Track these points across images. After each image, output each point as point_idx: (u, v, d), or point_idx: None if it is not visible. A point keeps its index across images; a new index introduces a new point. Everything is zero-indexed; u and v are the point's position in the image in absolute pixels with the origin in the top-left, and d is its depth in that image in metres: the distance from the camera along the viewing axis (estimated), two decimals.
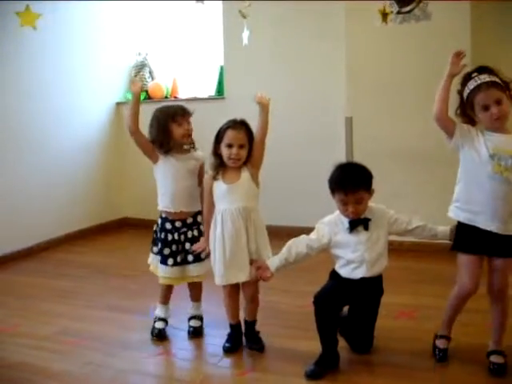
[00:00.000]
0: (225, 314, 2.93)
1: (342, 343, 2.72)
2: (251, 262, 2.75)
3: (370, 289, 2.65)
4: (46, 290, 3.98)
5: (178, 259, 3.01)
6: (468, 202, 2.50)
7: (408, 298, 3.41)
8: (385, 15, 4.28)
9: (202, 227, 3.02)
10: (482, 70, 2.47)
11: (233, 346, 2.88)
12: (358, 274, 2.58)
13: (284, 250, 2.65)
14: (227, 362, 2.79)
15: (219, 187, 2.78)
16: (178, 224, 3.03)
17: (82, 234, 5.48)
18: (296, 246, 2.64)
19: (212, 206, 2.83)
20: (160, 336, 3.07)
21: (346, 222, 2.59)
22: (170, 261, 3.00)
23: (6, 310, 3.61)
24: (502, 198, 2.42)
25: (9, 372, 2.76)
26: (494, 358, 2.55)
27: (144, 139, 3.00)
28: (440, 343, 2.69)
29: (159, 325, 3.12)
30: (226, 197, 2.76)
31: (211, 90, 5.74)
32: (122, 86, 6.06)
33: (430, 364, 2.65)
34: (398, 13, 4.38)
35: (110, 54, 5.87)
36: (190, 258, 3.01)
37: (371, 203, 2.61)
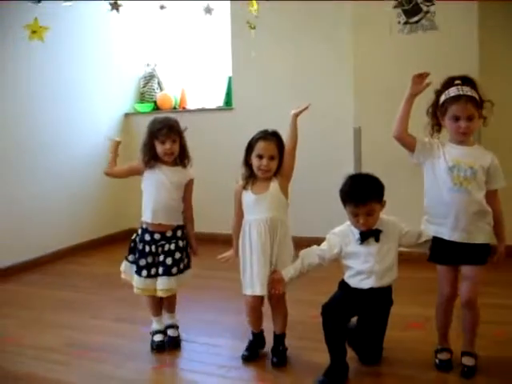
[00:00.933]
0: (236, 324, 2.91)
1: (350, 354, 2.70)
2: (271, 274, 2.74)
3: (378, 299, 2.63)
4: (52, 301, 3.98)
5: (152, 272, 3.01)
6: (433, 215, 2.60)
7: (418, 309, 3.37)
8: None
9: (180, 242, 3.03)
10: (466, 80, 2.53)
11: (250, 355, 2.88)
12: (367, 284, 2.56)
13: (297, 260, 2.66)
14: (235, 373, 2.77)
15: (248, 197, 2.78)
16: (156, 236, 3.03)
17: (89, 244, 5.48)
18: (308, 256, 2.65)
19: (241, 215, 2.83)
20: (160, 348, 3.06)
21: (356, 233, 2.57)
22: (144, 272, 3.02)
23: (12, 321, 3.61)
24: (463, 208, 2.48)
25: (14, 383, 2.75)
26: (464, 360, 2.61)
27: (119, 173, 3.19)
28: (441, 355, 2.70)
29: (157, 338, 3.10)
30: (254, 207, 2.77)
31: (219, 101, 5.75)
32: (131, 97, 6.08)
33: (439, 375, 2.63)
34: (406, 23, 4.38)
35: (118, 65, 5.90)
36: (161, 270, 2.99)
37: (383, 215, 2.59)
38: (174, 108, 5.94)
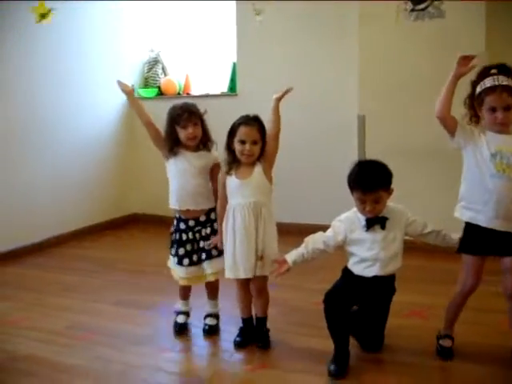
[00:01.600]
0: (234, 310, 2.92)
1: (351, 341, 2.70)
2: (258, 258, 2.75)
3: (382, 287, 2.63)
4: (55, 285, 3.99)
5: (194, 258, 2.99)
6: (471, 201, 2.52)
7: (420, 297, 3.39)
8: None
9: (215, 224, 3.00)
10: (502, 69, 2.46)
11: (243, 341, 2.88)
12: (371, 272, 2.56)
13: (302, 245, 2.65)
14: (238, 357, 2.79)
15: (232, 182, 2.78)
16: (191, 223, 3.00)
17: (91, 229, 5.49)
18: (313, 242, 2.64)
19: (225, 201, 2.83)
20: (181, 330, 3.09)
21: (362, 219, 2.56)
22: (186, 261, 2.99)
23: (15, 304, 3.62)
24: (504, 195, 2.43)
25: (17, 364, 2.77)
26: None
27: (154, 133, 3.02)
28: (444, 342, 2.69)
29: (180, 319, 3.13)
30: (238, 192, 2.77)
31: (224, 87, 5.73)
32: (135, 82, 6.05)
33: (440, 363, 2.64)
34: (412, 10, 4.35)
35: (122, 50, 5.88)
36: (203, 256, 2.98)
37: (390, 203, 2.58)
38: (178, 93, 5.92)
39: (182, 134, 2.94)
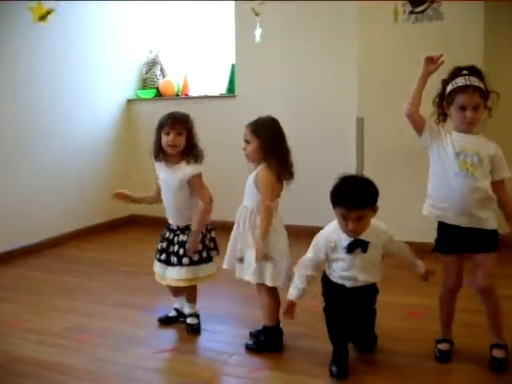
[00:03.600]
0: (234, 311, 2.91)
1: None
2: (237, 258, 2.85)
3: (362, 293, 2.61)
4: (54, 286, 3.99)
5: (163, 257, 3.06)
6: (437, 200, 2.58)
7: (418, 299, 3.39)
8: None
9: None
10: (472, 70, 2.53)
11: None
12: (349, 284, 2.56)
13: (296, 280, 2.63)
14: (236, 359, 2.78)
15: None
16: (174, 226, 3.08)
17: (90, 230, 5.49)
18: (304, 272, 2.60)
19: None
20: (164, 322, 3.23)
21: (344, 240, 2.50)
22: (157, 255, 3.10)
23: (14, 305, 3.62)
24: (468, 193, 2.48)
25: (17, 366, 2.76)
26: (495, 353, 2.59)
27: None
28: (442, 346, 2.70)
29: (171, 313, 3.26)
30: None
31: (222, 88, 5.73)
32: (134, 83, 6.06)
33: (438, 365, 2.64)
34: (411, 12, 4.36)
35: (121, 51, 5.88)
36: (174, 260, 3.01)
37: (373, 220, 2.53)
38: (177, 95, 5.93)
39: (164, 139, 2.97)
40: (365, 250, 2.50)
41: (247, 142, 2.85)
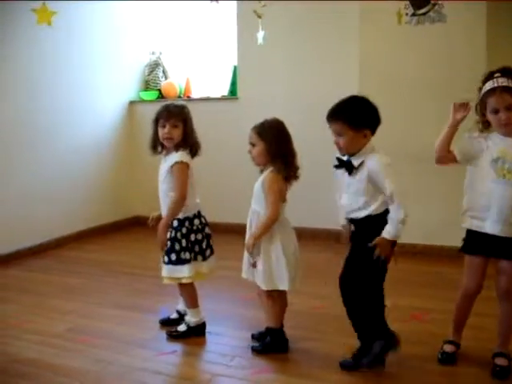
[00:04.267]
0: (236, 313, 2.91)
1: (349, 342, 2.70)
2: (251, 263, 2.81)
3: (356, 232, 2.56)
4: (56, 287, 4.00)
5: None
6: (475, 209, 2.52)
7: (420, 301, 3.39)
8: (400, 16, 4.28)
9: (173, 232, 2.95)
10: (505, 72, 2.47)
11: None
12: (340, 220, 2.60)
13: None
14: (238, 361, 2.78)
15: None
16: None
17: (93, 232, 5.50)
18: None
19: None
20: (164, 324, 3.21)
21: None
22: None
23: (17, 306, 3.63)
24: (505, 201, 2.43)
25: (18, 367, 2.77)
26: (498, 361, 2.57)
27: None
28: (447, 347, 2.69)
29: (173, 315, 3.25)
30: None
31: (224, 90, 5.74)
32: (136, 84, 6.07)
33: (441, 368, 2.63)
34: (414, 14, 4.36)
35: (123, 52, 5.89)
36: (165, 258, 2.99)
37: (377, 153, 2.55)
38: (179, 97, 5.93)
39: (160, 132, 2.96)
40: (349, 173, 2.53)
41: (253, 144, 2.81)
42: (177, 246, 2.93)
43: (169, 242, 2.95)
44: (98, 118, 5.63)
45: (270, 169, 2.78)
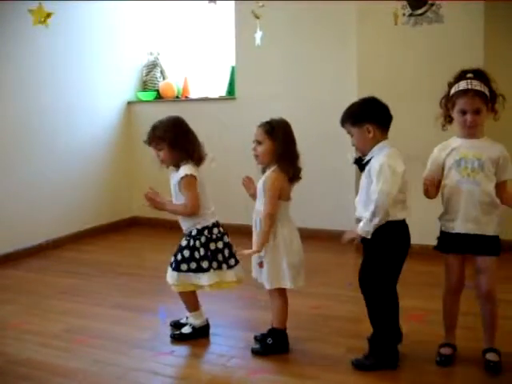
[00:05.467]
0: (234, 314, 2.90)
1: (349, 342, 2.70)
2: (258, 263, 2.80)
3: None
4: (54, 288, 3.99)
5: (172, 259, 3.01)
6: (449, 211, 2.59)
7: (418, 302, 3.40)
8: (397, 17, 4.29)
9: (192, 240, 2.94)
10: (478, 74, 2.53)
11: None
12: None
13: None
14: (236, 362, 2.78)
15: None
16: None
17: (91, 232, 5.49)
18: None
19: None
20: (175, 326, 3.15)
21: None
22: None
23: (15, 307, 3.63)
24: (472, 198, 2.49)
25: (16, 368, 2.77)
26: (489, 356, 2.60)
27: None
28: (444, 350, 2.69)
29: (182, 320, 3.18)
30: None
31: (222, 91, 5.74)
32: (134, 85, 6.07)
33: (439, 368, 2.64)
34: (411, 15, 4.36)
35: (121, 53, 5.88)
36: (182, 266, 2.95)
37: (387, 153, 2.52)
38: (177, 97, 5.93)
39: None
40: (361, 169, 2.58)
41: (259, 142, 2.79)
42: (196, 255, 2.91)
43: (187, 251, 2.92)
44: (95, 119, 5.62)
45: (273, 168, 2.77)
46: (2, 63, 4.64)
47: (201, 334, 3.05)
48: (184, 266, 2.92)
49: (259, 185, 2.82)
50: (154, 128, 2.97)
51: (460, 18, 4.23)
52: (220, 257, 2.95)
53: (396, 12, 4.36)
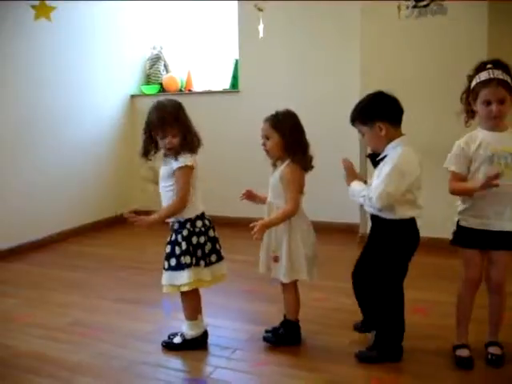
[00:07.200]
0: (237, 306, 2.89)
1: (353, 335, 2.69)
2: (271, 258, 2.76)
3: (375, 227, 2.57)
4: (58, 281, 4.00)
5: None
6: (480, 208, 2.48)
7: (423, 294, 3.38)
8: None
9: (174, 235, 2.80)
10: (497, 64, 2.46)
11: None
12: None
13: None
14: (239, 354, 2.78)
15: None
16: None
17: (94, 226, 5.51)
18: None
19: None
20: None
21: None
22: None
23: (19, 300, 3.63)
24: (505, 196, 2.42)
25: (20, 361, 2.77)
26: (492, 349, 2.59)
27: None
28: (461, 352, 2.61)
29: None
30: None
31: (226, 84, 5.73)
32: (137, 78, 6.06)
33: (443, 361, 2.62)
34: (415, 7, 4.34)
35: (124, 46, 5.88)
36: (164, 264, 2.83)
37: (401, 153, 2.48)
38: (180, 90, 5.93)
39: (160, 144, 2.78)
40: (374, 165, 2.54)
41: (267, 137, 2.75)
42: (177, 250, 2.76)
43: (169, 246, 2.80)
44: (99, 112, 5.62)
45: (287, 161, 2.73)
46: (4, 58, 4.63)
47: (192, 347, 2.86)
48: (165, 264, 2.81)
49: (274, 180, 2.76)
50: (166, 113, 2.72)
51: (464, 9, 4.20)
52: (199, 252, 2.78)
53: (399, 5, 4.34)
